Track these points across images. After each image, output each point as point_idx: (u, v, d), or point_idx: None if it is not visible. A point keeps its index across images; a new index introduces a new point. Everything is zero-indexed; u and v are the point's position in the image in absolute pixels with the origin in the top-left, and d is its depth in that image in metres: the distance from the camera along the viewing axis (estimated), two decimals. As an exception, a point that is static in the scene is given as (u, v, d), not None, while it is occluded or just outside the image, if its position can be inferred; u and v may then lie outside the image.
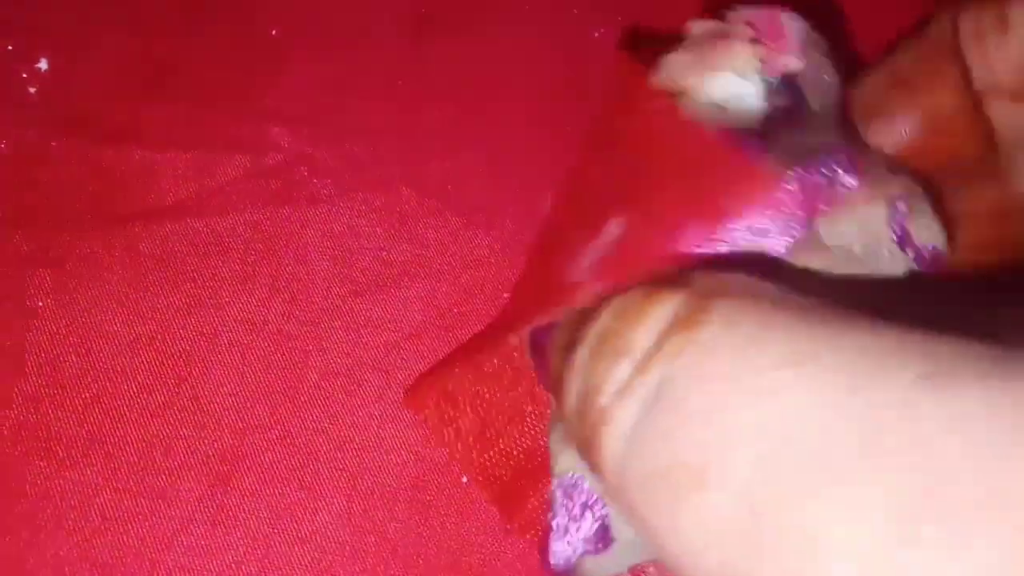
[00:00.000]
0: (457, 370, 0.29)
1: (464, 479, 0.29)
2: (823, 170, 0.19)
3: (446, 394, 0.28)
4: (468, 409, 0.29)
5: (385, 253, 0.32)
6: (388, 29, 0.36)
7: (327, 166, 0.33)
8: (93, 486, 0.28)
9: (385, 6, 0.36)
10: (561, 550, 0.20)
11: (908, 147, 0.23)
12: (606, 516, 0.20)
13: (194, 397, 0.29)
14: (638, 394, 0.12)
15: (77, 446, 0.28)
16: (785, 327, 0.12)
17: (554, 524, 0.20)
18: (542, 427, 0.27)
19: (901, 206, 0.19)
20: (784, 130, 0.21)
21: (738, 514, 0.11)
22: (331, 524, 0.28)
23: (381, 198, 0.33)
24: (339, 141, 0.34)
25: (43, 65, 0.34)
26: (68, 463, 0.28)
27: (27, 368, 0.29)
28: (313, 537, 0.28)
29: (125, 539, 0.27)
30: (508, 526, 0.27)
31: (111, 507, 0.28)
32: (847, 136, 0.23)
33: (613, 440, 0.13)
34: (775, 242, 0.19)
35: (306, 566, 0.28)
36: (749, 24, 0.22)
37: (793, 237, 0.19)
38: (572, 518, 0.20)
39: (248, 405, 0.29)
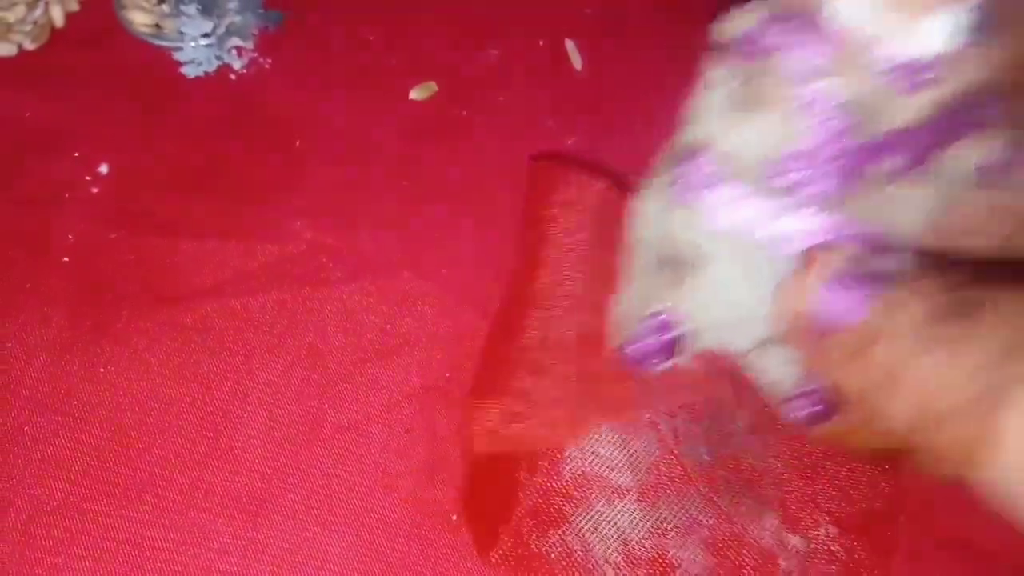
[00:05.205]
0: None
1: (454, 517, 0.34)
2: (975, 118, 0.23)
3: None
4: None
5: (389, 327, 0.38)
6: (390, 140, 0.43)
7: (341, 254, 0.40)
8: (145, 522, 0.33)
9: (387, 121, 0.43)
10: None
11: None
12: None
13: (229, 448, 0.35)
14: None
15: (132, 489, 0.34)
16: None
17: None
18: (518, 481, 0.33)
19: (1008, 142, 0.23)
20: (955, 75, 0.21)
21: None
22: (343, 554, 0.33)
23: (385, 280, 0.39)
24: (351, 232, 0.40)
25: (104, 169, 0.41)
26: (125, 503, 0.33)
27: (92, 424, 0.35)
28: (327, 565, 0.33)
29: (171, 567, 0.33)
30: (491, 558, 0.32)
31: (160, 539, 0.33)
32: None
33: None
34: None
35: (321, 590, 0.33)
36: None
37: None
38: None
39: (274, 455, 0.35)
